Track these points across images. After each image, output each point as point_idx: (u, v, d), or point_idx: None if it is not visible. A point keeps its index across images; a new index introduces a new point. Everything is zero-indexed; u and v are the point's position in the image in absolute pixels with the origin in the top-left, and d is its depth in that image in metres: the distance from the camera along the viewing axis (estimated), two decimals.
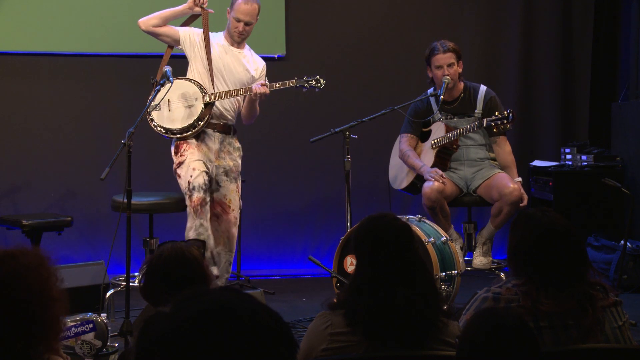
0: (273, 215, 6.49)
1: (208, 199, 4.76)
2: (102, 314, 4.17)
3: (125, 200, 4.20)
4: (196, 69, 4.92)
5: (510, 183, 5.03)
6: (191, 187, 4.72)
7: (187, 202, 4.74)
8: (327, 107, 6.38)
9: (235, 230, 4.97)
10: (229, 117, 4.97)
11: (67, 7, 6.11)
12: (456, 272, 4.51)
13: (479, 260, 5.16)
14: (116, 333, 4.26)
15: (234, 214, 4.95)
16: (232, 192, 4.95)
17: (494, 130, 5.07)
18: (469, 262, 5.16)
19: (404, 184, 5.38)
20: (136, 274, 4.65)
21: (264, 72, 5.06)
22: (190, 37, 4.94)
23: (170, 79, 4.68)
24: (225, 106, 4.94)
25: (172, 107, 4.83)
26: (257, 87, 4.81)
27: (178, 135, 4.82)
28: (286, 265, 6.47)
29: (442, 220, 5.01)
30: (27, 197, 6.13)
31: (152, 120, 4.83)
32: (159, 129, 4.83)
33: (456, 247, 4.74)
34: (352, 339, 2.42)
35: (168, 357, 1.25)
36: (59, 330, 2.02)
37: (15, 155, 6.18)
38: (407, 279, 2.46)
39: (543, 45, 6.81)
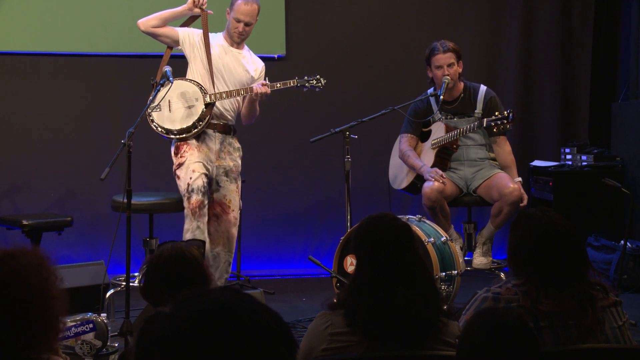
0: (273, 215, 6.49)
1: (206, 201, 4.76)
2: (102, 314, 4.17)
3: (125, 200, 4.21)
4: (196, 69, 4.92)
5: (510, 183, 5.03)
6: (190, 189, 4.72)
7: (185, 204, 4.74)
8: (327, 107, 6.38)
9: (234, 231, 4.97)
10: (229, 117, 4.97)
11: (67, 7, 6.11)
12: (456, 272, 4.51)
13: (479, 260, 5.16)
14: (116, 333, 4.26)
15: (234, 214, 4.95)
16: (232, 192, 4.95)
17: (494, 130, 5.07)
18: (469, 262, 5.16)
19: (404, 184, 5.38)
20: (136, 274, 4.65)
21: (263, 72, 5.06)
22: (189, 38, 4.94)
23: (170, 79, 4.68)
24: (226, 106, 4.94)
25: (173, 107, 4.82)
26: (258, 87, 4.81)
27: (178, 136, 4.81)
28: (286, 265, 6.48)
29: (442, 220, 5.01)
30: (27, 197, 6.13)
31: (152, 120, 4.83)
32: (160, 129, 4.82)
33: (456, 247, 4.74)
34: (352, 339, 2.42)
35: (168, 357, 1.26)
36: (59, 330, 2.02)
37: (15, 155, 6.18)
38: (407, 279, 2.46)
39: (543, 45, 6.81)
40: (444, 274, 4.44)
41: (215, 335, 1.25)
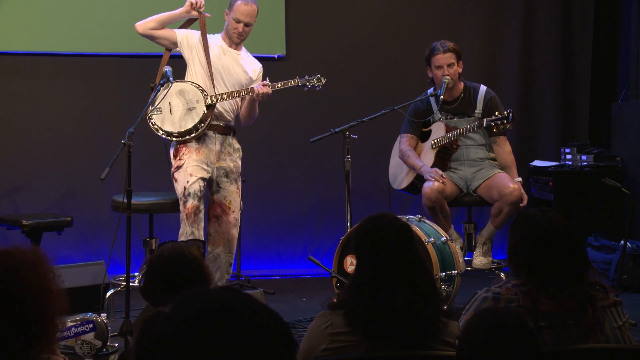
0: (273, 215, 6.49)
1: (202, 206, 4.76)
2: (102, 314, 4.17)
3: (125, 200, 4.21)
4: (195, 71, 4.91)
5: (510, 183, 5.03)
6: (186, 193, 4.72)
7: (181, 208, 4.75)
8: (327, 107, 6.38)
9: (235, 232, 4.97)
10: (229, 118, 4.97)
11: (67, 7, 6.11)
12: (456, 272, 4.51)
13: (479, 260, 5.16)
14: (116, 333, 4.26)
15: (234, 215, 4.95)
16: (233, 193, 4.94)
17: (494, 130, 5.07)
18: (469, 262, 5.16)
19: (404, 184, 5.38)
20: (136, 274, 4.65)
21: (261, 73, 5.05)
22: (188, 40, 4.93)
23: (171, 79, 4.67)
24: (225, 107, 4.93)
25: (174, 110, 4.82)
26: (259, 88, 4.81)
27: (179, 138, 4.80)
28: (286, 265, 6.48)
29: (442, 220, 5.01)
30: (27, 197, 6.13)
31: (153, 123, 4.82)
32: (161, 132, 4.81)
33: (456, 247, 4.74)
34: (352, 339, 2.42)
35: (168, 357, 1.25)
36: (58, 328, 2.02)
37: (15, 155, 6.18)
38: (407, 279, 2.46)
39: (543, 45, 6.82)
40: (444, 274, 4.44)
41: (215, 335, 1.25)
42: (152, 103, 4.69)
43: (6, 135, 6.16)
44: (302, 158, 6.48)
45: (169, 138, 4.82)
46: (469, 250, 5.31)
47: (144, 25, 4.91)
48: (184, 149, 4.82)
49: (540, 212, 2.55)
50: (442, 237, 4.59)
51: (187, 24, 5.05)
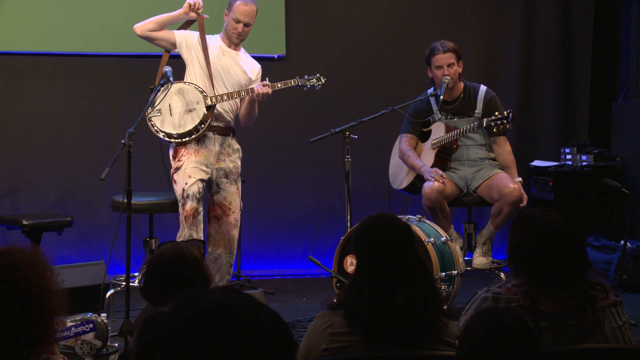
0: (273, 216, 6.48)
1: (201, 208, 4.76)
2: (102, 314, 4.17)
3: (125, 200, 4.21)
4: (194, 71, 4.91)
5: (510, 183, 5.03)
6: (185, 195, 4.72)
7: (180, 210, 4.75)
8: (327, 107, 6.38)
9: (235, 232, 4.96)
10: (229, 118, 4.97)
11: (67, 7, 6.11)
12: (456, 272, 4.51)
13: (479, 260, 5.16)
14: (116, 333, 4.26)
15: (235, 215, 4.94)
16: (233, 194, 4.94)
17: (494, 130, 5.07)
18: (469, 262, 5.16)
19: (404, 184, 5.38)
20: (136, 274, 4.65)
21: (260, 74, 5.05)
22: (187, 40, 4.93)
23: (171, 79, 4.67)
24: (225, 108, 4.93)
25: (174, 111, 4.81)
26: (259, 88, 4.81)
27: (180, 140, 4.80)
28: (286, 265, 6.47)
29: (442, 220, 5.01)
30: (27, 197, 6.13)
31: (153, 125, 4.81)
32: (161, 134, 4.80)
33: (456, 247, 4.74)
34: (352, 339, 2.42)
35: (168, 357, 1.26)
36: (57, 327, 2.01)
37: (15, 155, 6.18)
38: (407, 279, 2.46)
39: (543, 45, 6.81)
40: (444, 274, 4.44)
41: (215, 335, 1.25)
42: (152, 104, 4.69)
43: (6, 135, 6.15)
44: (302, 158, 6.48)
45: (169, 139, 4.81)
46: (469, 250, 5.31)
47: (142, 27, 4.91)
48: (183, 150, 4.81)
49: (540, 212, 2.55)
50: (442, 237, 4.59)
51: (186, 25, 5.05)
